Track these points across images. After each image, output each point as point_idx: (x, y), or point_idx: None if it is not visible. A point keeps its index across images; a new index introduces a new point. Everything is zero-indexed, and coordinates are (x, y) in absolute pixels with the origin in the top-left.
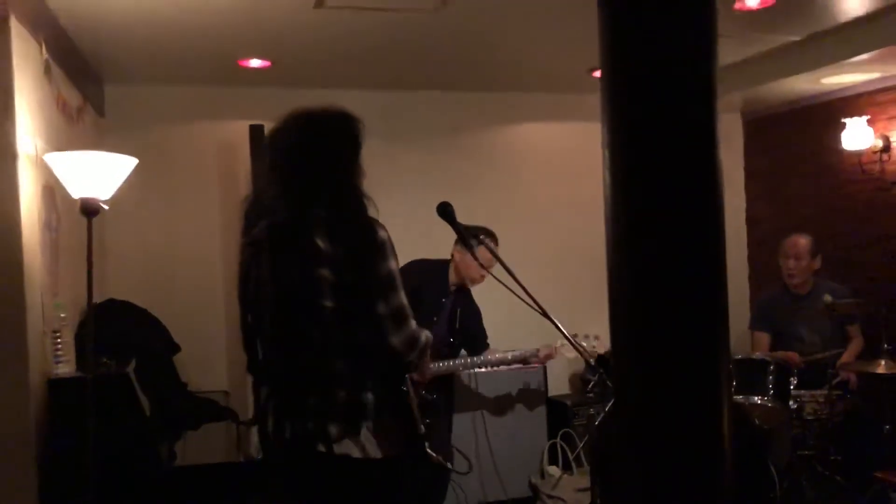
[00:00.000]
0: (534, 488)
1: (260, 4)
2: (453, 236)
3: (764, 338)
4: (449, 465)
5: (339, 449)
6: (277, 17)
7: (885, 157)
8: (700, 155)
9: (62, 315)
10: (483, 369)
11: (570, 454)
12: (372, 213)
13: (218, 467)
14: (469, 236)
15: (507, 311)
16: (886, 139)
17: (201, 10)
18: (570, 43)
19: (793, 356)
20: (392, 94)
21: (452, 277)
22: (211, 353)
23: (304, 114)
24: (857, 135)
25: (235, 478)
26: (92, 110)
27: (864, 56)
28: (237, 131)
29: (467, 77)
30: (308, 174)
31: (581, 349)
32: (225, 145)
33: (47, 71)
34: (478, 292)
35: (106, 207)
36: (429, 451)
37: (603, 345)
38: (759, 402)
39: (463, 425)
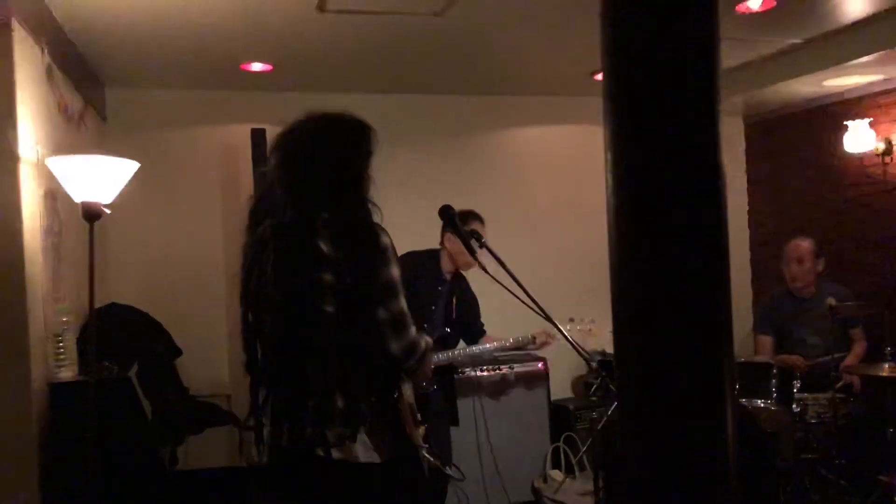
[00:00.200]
0: (537, 492)
1: (262, 8)
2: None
3: (767, 341)
4: (448, 470)
5: (336, 454)
6: (279, 20)
7: (887, 159)
8: (703, 157)
9: (64, 319)
10: (486, 372)
11: (572, 458)
12: (377, 219)
13: (220, 471)
14: (469, 237)
15: (507, 304)
16: (889, 142)
17: (203, 14)
18: (571, 46)
19: (797, 360)
20: (394, 98)
21: (447, 265)
22: (213, 357)
23: (318, 116)
24: (859, 138)
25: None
26: (94, 114)
27: (865, 58)
28: (239, 135)
29: (469, 80)
30: (316, 177)
31: (582, 351)
32: (227, 149)
33: (49, 75)
34: (479, 288)
35: (108, 211)
36: (426, 455)
37: (600, 329)
38: (762, 405)
39: (466, 429)
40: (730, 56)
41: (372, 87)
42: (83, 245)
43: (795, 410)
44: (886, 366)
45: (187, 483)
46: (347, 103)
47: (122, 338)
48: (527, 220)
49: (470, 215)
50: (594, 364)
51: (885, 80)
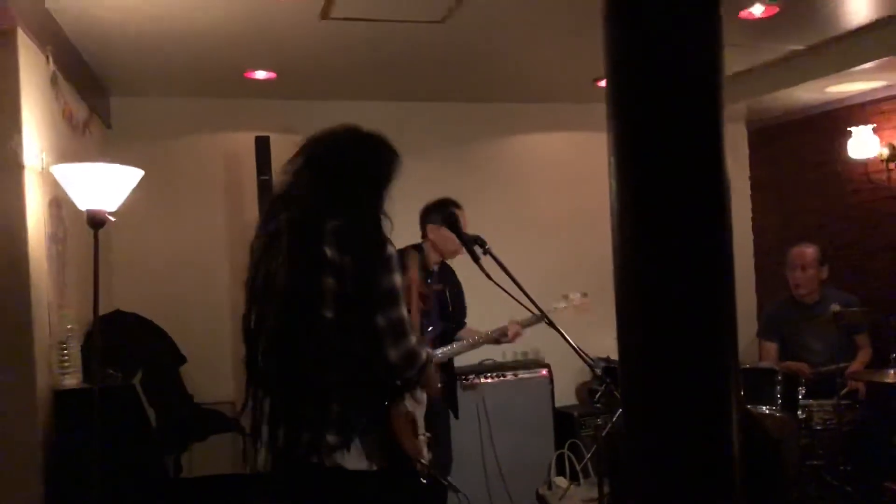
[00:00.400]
0: (541, 499)
1: (266, 16)
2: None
3: (772, 347)
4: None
5: (331, 461)
6: (283, 28)
7: (891, 165)
8: (707, 163)
9: (69, 326)
10: (489, 380)
11: (577, 465)
12: (387, 230)
13: (224, 479)
14: (473, 243)
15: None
16: (893, 148)
17: (207, 22)
18: (574, 53)
19: (802, 368)
20: (397, 105)
21: (433, 257)
22: (217, 365)
23: (353, 130)
24: (863, 143)
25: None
26: (98, 122)
27: (869, 64)
28: (243, 143)
29: (472, 88)
30: (337, 186)
31: (587, 357)
32: (231, 157)
33: (54, 83)
34: (466, 282)
35: (112, 219)
36: (424, 466)
37: (588, 303)
38: (767, 411)
39: (470, 435)
40: (733, 62)
41: (375, 94)
42: (88, 252)
43: (801, 417)
44: (892, 372)
45: (192, 490)
46: (351, 111)
47: (127, 345)
48: (530, 226)
49: (448, 203)
50: (598, 370)
51: (887, 86)
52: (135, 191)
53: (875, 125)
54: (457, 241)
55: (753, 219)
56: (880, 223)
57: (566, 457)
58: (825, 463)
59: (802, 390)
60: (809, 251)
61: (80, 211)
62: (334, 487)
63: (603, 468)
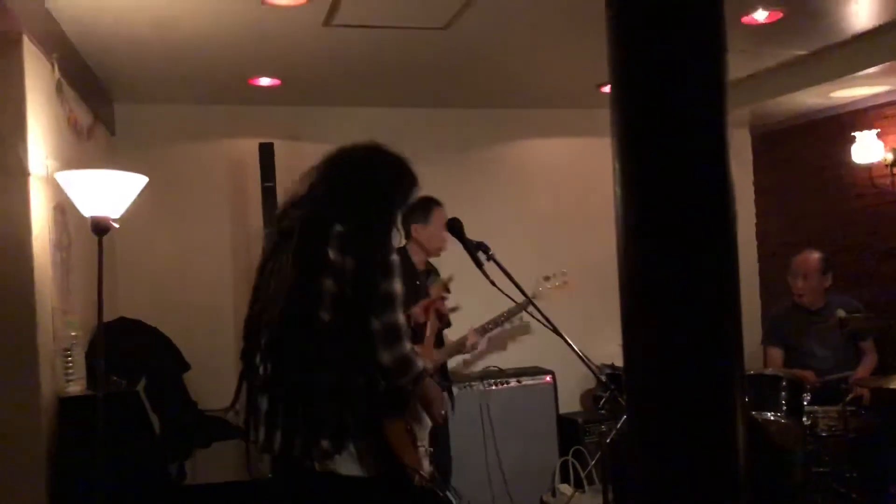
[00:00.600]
0: None
1: (269, 23)
2: (463, 250)
3: (777, 354)
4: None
5: (323, 465)
6: (287, 35)
7: (895, 170)
8: (711, 168)
9: (73, 333)
10: (493, 386)
11: (581, 472)
12: (395, 241)
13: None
14: (476, 250)
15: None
16: None
17: (211, 29)
18: (577, 59)
19: (809, 375)
20: (401, 112)
21: (419, 256)
22: (221, 372)
23: (375, 148)
24: (866, 148)
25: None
26: (103, 129)
27: (872, 69)
28: (247, 149)
29: (475, 94)
30: (350, 200)
31: (591, 364)
32: (235, 163)
33: (59, 90)
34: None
35: (116, 226)
36: (422, 477)
37: (568, 278)
38: (772, 418)
39: (473, 443)
40: (736, 67)
41: (378, 100)
42: (92, 259)
43: (806, 423)
44: None
45: (195, 497)
46: (355, 117)
47: (131, 352)
48: (533, 232)
49: (431, 201)
50: (603, 377)
51: (891, 90)
52: (139, 197)
53: (879, 130)
54: (443, 237)
55: (757, 224)
56: (884, 228)
57: (570, 464)
58: (831, 470)
59: (807, 397)
60: (813, 258)
61: (85, 217)
62: (327, 492)
63: (607, 475)
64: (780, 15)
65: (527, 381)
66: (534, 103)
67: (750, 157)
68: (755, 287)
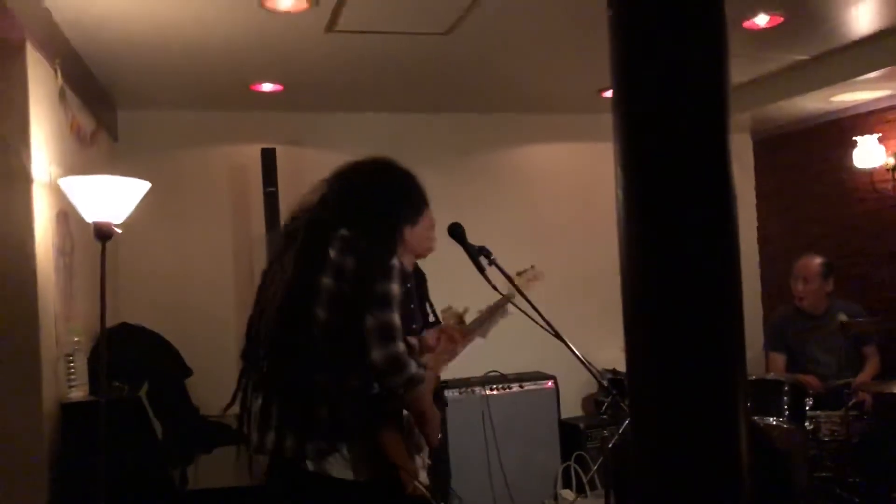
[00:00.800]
0: None
1: (271, 29)
2: (464, 255)
3: (780, 358)
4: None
5: (316, 467)
6: (289, 41)
7: None
8: (713, 173)
9: (75, 339)
10: (495, 391)
11: (583, 477)
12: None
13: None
14: (479, 254)
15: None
16: None
17: (214, 35)
18: (578, 64)
19: (813, 380)
20: (403, 117)
21: (408, 258)
22: (223, 377)
23: (386, 164)
24: (868, 153)
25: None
26: (105, 135)
27: (873, 74)
28: (249, 155)
29: (477, 99)
30: (356, 213)
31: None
32: (237, 169)
33: (62, 96)
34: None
35: (119, 231)
36: (417, 483)
37: (538, 272)
38: (774, 423)
39: (475, 448)
40: (737, 72)
41: (380, 106)
42: (95, 265)
43: (808, 428)
44: None
45: (197, 502)
46: (357, 123)
47: (133, 358)
48: (535, 237)
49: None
50: (605, 382)
51: (892, 95)
52: (141, 203)
53: (880, 134)
54: (428, 237)
55: (759, 229)
56: (886, 232)
57: (572, 469)
58: (833, 475)
59: (810, 401)
60: (813, 264)
61: (88, 223)
62: (319, 493)
63: (609, 480)
64: (781, 20)
65: (528, 385)
66: (535, 108)
67: (751, 161)
68: (757, 292)
